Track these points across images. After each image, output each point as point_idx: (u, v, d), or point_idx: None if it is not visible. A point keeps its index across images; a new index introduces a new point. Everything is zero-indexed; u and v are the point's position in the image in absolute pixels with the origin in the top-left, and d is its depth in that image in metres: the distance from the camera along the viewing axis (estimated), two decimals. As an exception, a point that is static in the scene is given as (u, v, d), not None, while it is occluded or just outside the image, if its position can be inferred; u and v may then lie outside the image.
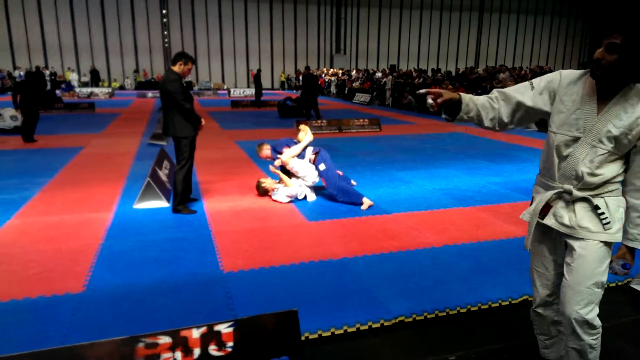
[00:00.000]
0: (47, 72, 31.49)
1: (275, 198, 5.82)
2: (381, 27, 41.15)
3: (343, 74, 30.97)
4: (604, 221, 2.06)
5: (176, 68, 5.19)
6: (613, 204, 2.07)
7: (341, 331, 2.99)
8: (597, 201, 2.06)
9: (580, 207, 2.10)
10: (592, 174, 2.03)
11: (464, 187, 6.66)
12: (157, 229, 4.82)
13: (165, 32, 35.82)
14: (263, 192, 5.99)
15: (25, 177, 6.97)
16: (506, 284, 3.61)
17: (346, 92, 26.97)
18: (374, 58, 41.25)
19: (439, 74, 20.86)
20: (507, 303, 3.36)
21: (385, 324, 3.08)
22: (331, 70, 34.29)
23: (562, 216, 2.16)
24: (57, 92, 22.16)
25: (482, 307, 3.31)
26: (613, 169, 2.04)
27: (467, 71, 20.35)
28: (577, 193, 2.09)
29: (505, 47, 44.40)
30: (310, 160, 5.92)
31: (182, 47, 35.58)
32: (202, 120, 5.40)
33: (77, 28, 34.21)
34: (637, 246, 2.06)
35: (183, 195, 5.40)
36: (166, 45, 35.70)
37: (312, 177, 5.90)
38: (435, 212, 5.47)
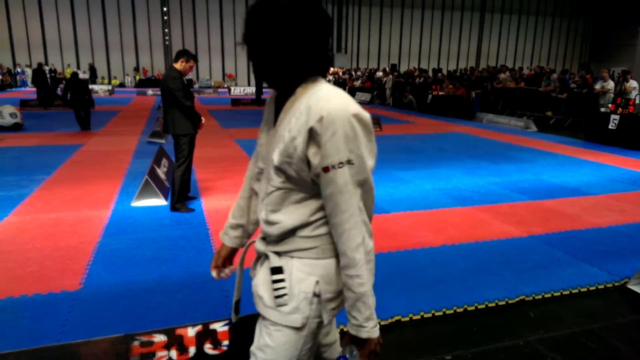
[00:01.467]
0: (47, 69, 31.51)
1: None
2: (382, 26, 41.13)
3: (344, 72, 30.96)
4: (277, 292, 1.38)
5: (178, 65, 5.19)
6: (300, 270, 1.38)
7: (337, 330, 2.98)
8: (281, 262, 1.40)
9: (263, 268, 1.47)
10: (268, 221, 1.40)
11: (463, 187, 6.65)
12: (154, 227, 4.82)
13: (166, 30, 35.80)
14: None
15: (23, 174, 6.96)
16: (503, 284, 3.61)
17: (347, 91, 26.92)
18: (374, 57, 41.24)
19: (440, 74, 20.85)
20: (503, 303, 3.35)
21: (382, 323, 3.08)
22: (332, 69, 34.26)
23: (255, 278, 1.53)
24: (58, 89, 22.13)
25: (479, 306, 3.30)
26: (296, 215, 1.35)
27: (468, 71, 20.35)
28: (260, 247, 1.49)
29: (507, 47, 44.35)
30: None
31: (183, 44, 35.53)
32: (202, 118, 5.40)
33: (78, 25, 34.21)
34: (362, 334, 1.36)
35: (181, 194, 5.39)
36: (167, 42, 35.69)
37: None
38: (433, 212, 5.46)
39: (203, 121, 5.42)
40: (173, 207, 5.33)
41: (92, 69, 33.76)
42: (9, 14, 32.60)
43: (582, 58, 45.05)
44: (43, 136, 10.83)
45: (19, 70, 32.15)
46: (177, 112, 5.16)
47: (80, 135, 11.16)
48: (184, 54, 5.22)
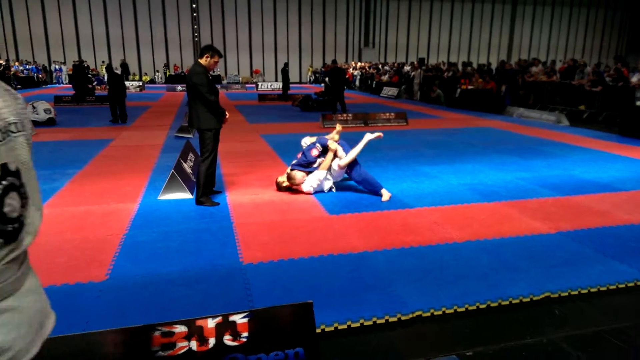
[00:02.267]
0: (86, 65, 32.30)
1: (304, 188, 5.82)
2: (411, 20, 40.67)
3: (371, 67, 30.77)
4: None
5: (203, 61, 5.24)
6: None
7: (357, 324, 2.98)
8: None
9: None
10: None
11: (490, 182, 6.53)
12: (180, 220, 4.89)
13: (195, 26, 36.23)
14: (283, 190, 5.99)
15: (56, 168, 7.16)
16: (528, 280, 3.54)
17: (374, 85, 26.79)
18: (403, 51, 40.86)
19: (469, 67, 20.49)
20: (528, 299, 3.29)
21: (403, 318, 3.06)
22: (358, 64, 34.11)
23: None
24: (90, 86, 22.68)
25: (502, 303, 3.24)
26: None
27: (498, 65, 19.93)
28: None
29: (539, 40, 43.26)
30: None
31: (212, 41, 35.89)
32: (227, 113, 5.44)
33: (110, 22, 34.97)
34: None
35: (206, 187, 5.45)
36: (196, 39, 36.12)
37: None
38: (459, 207, 5.38)
39: (227, 116, 5.46)
40: (198, 201, 5.40)
41: (124, 66, 34.42)
42: (44, 12, 33.52)
43: (618, 50, 43.60)
44: (75, 131, 11.12)
45: (56, 67, 33.03)
46: (202, 107, 5.22)
47: (110, 130, 11.42)
48: (209, 49, 5.27)
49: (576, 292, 3.40)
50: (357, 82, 30.80)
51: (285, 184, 5.92)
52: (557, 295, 3.36)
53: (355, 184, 6.07)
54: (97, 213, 5.07)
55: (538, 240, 4.39)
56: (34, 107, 12.01)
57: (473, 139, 10.36)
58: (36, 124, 11.69)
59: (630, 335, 2.90)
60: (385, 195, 5.63)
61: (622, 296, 3.40)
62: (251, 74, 37.85)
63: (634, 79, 13.37)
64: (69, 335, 2.31)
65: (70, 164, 7.47)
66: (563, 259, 3.95)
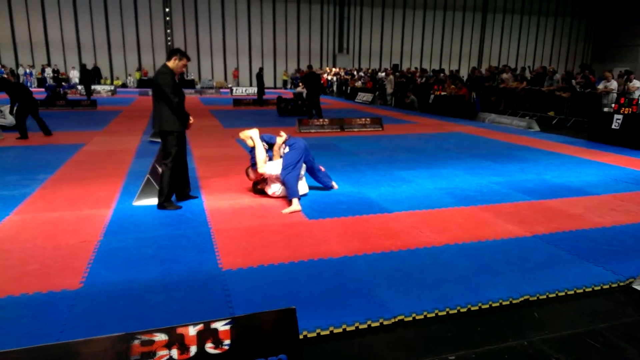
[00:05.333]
0: (50, 70, 31.52)
1: (266, 171, 5.72)
2: (384, 27, 41.05)
3: (346, 73, 30.92)
4: None
5: (170, 63, 5.17)
6: None
7: (340, 330, 2.96)
8: None
9: None
10: None
11: (465, 186, 6.62)
12: (156, 226, 4.80)
13: (168, 30, 35.78)
14: (258, 193, 5.95)
15: (25, 173, 6.95)
16: (507, 283, 3.58)
17: (348, 91, 26.93)
18: (376, 57, 41.17)
19: (442, 74, 20.79)
20: (507, 303, 3.32)
21: (385, 323, 3.05)
22: (334, 69, 34.25)
23: None
24: (61, 89, 22.22)
25: (483, 306, 3.27)
26: None
27: (469, 71, 20.28)
28: None
29: (509, 48, 44.22)
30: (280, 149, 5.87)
31: (185, 45, 35.57)
32: (191, 117, 5.37)
33: (80, 25, 34.19)
34: None
35: (172, 192, 5.40)
36: (169, 43, 35.66)
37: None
38: (436, 212, 5.43)
39: (192, 121, 5.39)
40: (160, 205, 5.30)
41: (96, 69, 33.75)
42: (11, 14, 32.62)
43: (584, 58, 44.92)
44: (45, 136, 10.80)
45: (27, 71, 32.16)
46: (165, 108, 5.13)
47: (81, 135, 11.15)
48: (177, 52, 5.21)
49: (554, 295, 3.45)
50: (335, 88, 30.90)
51: (256, 183, 6.00)
52: (535, 298, 3.41)
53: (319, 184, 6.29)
54: (70, 219, 4.93)
55: (515, 243, 4.45)
56: (1, 112, 11.63)
57: (447, 144, 10.49)
58: (3, 128, 11.32)
59: (607, 336, 2.96)
60: (291, 207, 5.37)
61: (598, 298, 3.47)
62: (225, 79, 37.56)
63: (601, 86, 13.76)
64: (42, 346, 2.22)
65: (41, 169, 7.26)
66: (540, 262, 4.01)
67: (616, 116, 10.57)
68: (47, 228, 4.65)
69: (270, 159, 5.86)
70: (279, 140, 5.87)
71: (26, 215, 5.03)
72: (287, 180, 5.50)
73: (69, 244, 4.26)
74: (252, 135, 5.81)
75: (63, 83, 26.52)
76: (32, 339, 2.70)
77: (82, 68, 23.28)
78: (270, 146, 5.90)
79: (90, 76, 22.91)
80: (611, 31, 42.55)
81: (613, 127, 10.62)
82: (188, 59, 5.31)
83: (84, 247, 4.17)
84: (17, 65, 32.95)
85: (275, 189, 5.80)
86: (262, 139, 5.86)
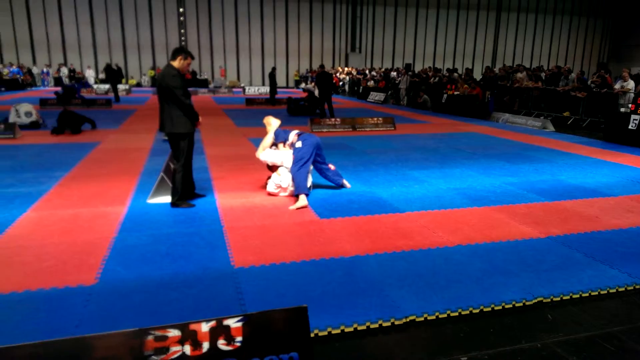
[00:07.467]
0: (66, 69, 31.87)
1: (268, 190, 5.89)
2: (397, 26, 40.90)
3: (358, 72, 30.88)
4: None
5: (176, 63, 5.17)
6: None
7: (351, 329, 2.96)
8: None
9: None
10: None
11: (478, 187, 6.58)
12: (169, 223, 4.84)
13: (182, 30, 36.02)
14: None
15: (42, 171, 7.05)
16: (520, 285, 3.55)
17: (361, 90, 26.89)
18: (389, 57, 41.03)
19: (455, 74, 20.66)
20: (521, 304, 3.30)
21: (396, 322, 3.05)
22: (346, 69, 34.21)
23: None
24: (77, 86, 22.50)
25: (496, 307, 3.25)
26: None
27: (483, 71, 20.14)
28: None
29: (523, 47, 43.81)
30: (292, 143, 5.91)
31: (199, 45, 35.82)
32: (200, 117, 5.40)
33: (96, 26, 34.58)
34: None
35: (185, 192, 5.43)
36: (183, 43, 35.89)
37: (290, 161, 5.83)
38: (449, 212, 5.40)
39: (200, 120, 5.43)
40: (174, 204, 5.34)
41: (119, 69, 34.07)
42: (29, 15, 33.07)
43: (600, 57, 44.35)
44: (62, 134, 10.93)
45: (44, 70, 32.60)
46: (176, 110, 5.15)
47: (97, 133, 11.28)
48: (181, 51, 5.20)
49: (568, 297, 3.42)
50: (347, 87, 30.89)
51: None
52: (549, 300, 3.38)
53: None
54: (86, 216, 4.99)
55: (529, 244, 4.42)
56: (16, 111, 11.80)
57: (460, 144, 10.43)
58: (21, 126, 11.49)
59: (622, 339, 2.93)
60: (298, 203, 5.43)
61: (613, 301, 3.43)
62: (238, 78, 37.70)
63: (617, 86, 13.58)
64: (58, 340, 2.25)
65: (57, 166, 7.36)
66: (554, 264, 3.98)
67: (633, 116, 10.43)
68: (63, 225, 4.72)
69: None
70: (290, 137, 6.03)
71: (43, 212, 5.10)
72: (296, 176, 5.54)
73: (84, 240, 4.31)
74: (271, 123, 6.14)
75: (82, 81, 26.83)
76: (48, 333, 2.74)
77: (108, 67, 23.18)
78: (277, 144, 6.10)
79: (117, 75, 23.05)
80: (628, 30, 41.96)
81: (630, 127, 10.48)
82: (193, 58, 5.34)
83: (99, 244, 4.23)
84: (35, 63, 33.41)
85: (271, 188, 5.85)
86: (276, 134, 6.07)
